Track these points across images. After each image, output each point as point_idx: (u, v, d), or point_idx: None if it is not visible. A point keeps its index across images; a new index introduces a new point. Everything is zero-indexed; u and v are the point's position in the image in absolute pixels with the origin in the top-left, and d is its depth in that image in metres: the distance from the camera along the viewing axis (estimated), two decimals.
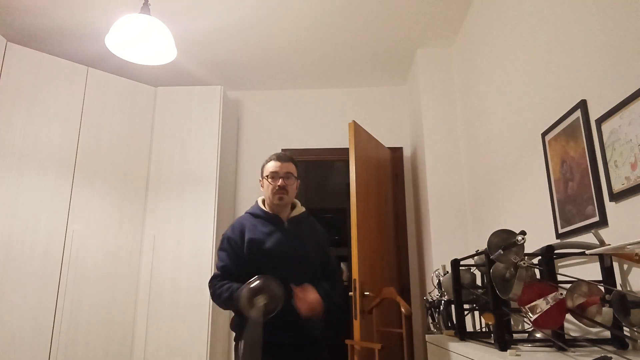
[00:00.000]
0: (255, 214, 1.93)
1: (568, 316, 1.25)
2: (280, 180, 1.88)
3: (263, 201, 1.97)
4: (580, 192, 1.59)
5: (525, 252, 1.37)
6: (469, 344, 1.51)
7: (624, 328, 1.28)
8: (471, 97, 2.89)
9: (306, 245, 1.88)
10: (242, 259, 1.81)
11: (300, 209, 2.00)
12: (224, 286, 1.75)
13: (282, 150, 3.87)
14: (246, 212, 1.96)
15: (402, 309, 2.77)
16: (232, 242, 1.85)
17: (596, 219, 1.49)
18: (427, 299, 2.30)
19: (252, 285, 1.59)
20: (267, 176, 1.91)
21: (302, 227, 1.94)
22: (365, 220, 2.98)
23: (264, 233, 1.85)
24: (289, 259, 1.81)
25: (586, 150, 1.55)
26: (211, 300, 3.01)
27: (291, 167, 1.94)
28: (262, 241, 1.81)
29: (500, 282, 1.37)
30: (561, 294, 1.21)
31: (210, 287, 1.81)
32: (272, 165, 1.92)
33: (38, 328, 2.61)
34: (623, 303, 1.15)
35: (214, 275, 1.84)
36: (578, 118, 1.60)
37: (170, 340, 2.96)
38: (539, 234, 1.92)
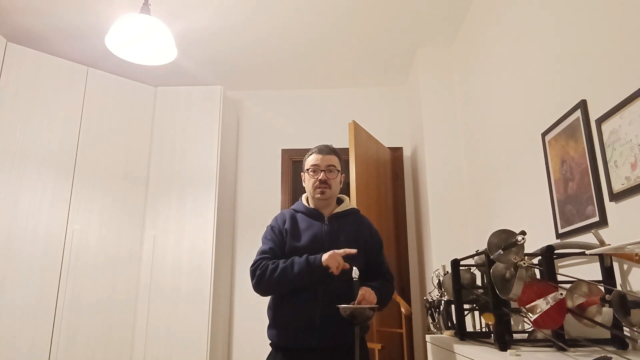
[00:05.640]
0: (297, 209, 1.85)
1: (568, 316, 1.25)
2: (322, 174, 1.80)
3: (307, 198, 1.88)
4: (580, 192, 1.59)
5: (525, 252, 1.37)
6: (469, 344, 1.51)
7: (624, 328, 1.28)
8: (471, 97, 2.89)
9: (342, 244, 1.72)
10: (283, 247, 1.74)
11: (347, 204, 1.88)
12: (277, 262, 1.66)
13: (282, 150, 3.87)
14: (290, 208, 1.89)
15: (402, 309, 2.78)
16: (276, 229, 1.80)
17: (596, 219, 1.49)
18: (427, 299, 2.29)
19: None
20: (308, 170, 1.84)
21: (343, 225, 1.80)
22: None
23: (301, 229, 1.77)
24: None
25: (586, 150, 1.55)
26: (211, 300, 3.02)
27: (334, 160, 1.85)
28: (297, 236, 1.74)
29: (500, 282, 1.37)
30: (561, 294, 1.21)
31: (256, 268, 1.68)
32: (313, 158, 1.84)
33: (38, 328, 2.61)
34: (623, 303, 1.15)
35: (259, 258, 1.72)
36: (578, 118, 1.60)
37: (170, 341, 2.96)
38: (539, 234, 1.92)
